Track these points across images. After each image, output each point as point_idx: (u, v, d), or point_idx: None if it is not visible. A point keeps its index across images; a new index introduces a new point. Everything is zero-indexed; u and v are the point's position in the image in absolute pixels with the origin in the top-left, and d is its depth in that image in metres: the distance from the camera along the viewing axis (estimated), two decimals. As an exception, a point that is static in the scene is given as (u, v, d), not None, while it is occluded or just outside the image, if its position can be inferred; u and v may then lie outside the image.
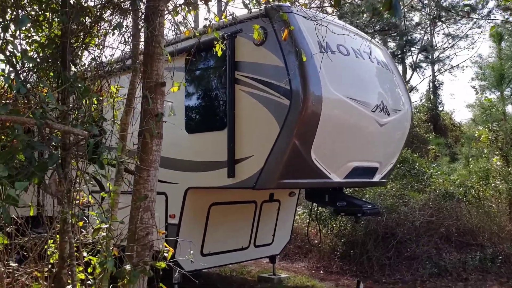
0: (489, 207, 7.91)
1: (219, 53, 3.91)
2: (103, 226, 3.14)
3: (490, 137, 8.40)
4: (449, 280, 6.94)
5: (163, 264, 3.05)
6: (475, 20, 23.34)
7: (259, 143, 4.96)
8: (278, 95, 4.76)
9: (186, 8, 3.72)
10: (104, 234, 3.14)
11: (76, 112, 3.25)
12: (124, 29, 3.39)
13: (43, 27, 3.36)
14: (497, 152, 8.33)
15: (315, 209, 7.63)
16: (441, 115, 21.13)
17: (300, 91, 4.63)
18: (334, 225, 8.63)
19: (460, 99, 41.36)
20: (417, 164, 9.21)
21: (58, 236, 3.22)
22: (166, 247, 3.17)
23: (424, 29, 24.47)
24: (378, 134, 5.39)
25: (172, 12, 3.56)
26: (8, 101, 3.06)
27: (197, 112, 5.73)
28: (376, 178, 5.80)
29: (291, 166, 4.77)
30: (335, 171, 5.06)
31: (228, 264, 6.91)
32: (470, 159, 8.97)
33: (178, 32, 4.50)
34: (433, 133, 17.88)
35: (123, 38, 3.44)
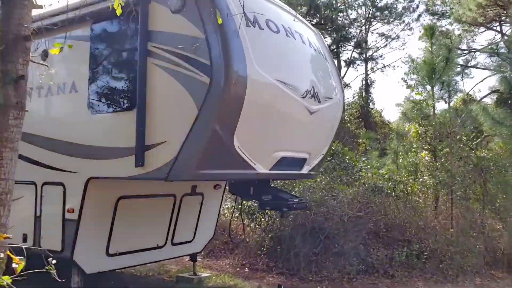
0: (416, 202, 7.90)
1: (118, 11, 3.16)
2: None
3: (419, 131, 8.41)
4: (375, 277, 6.78)
5: (20, 266, 2.28)
6: (406, 22, 24.32)
7: (173, 127, 4.28)
8: (196, 72, 4.11)
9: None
10: None
11: None
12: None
13: None
14: (425, 147, 8.37)
15: (240, 202, 7.09)
16: (371, 112, 21.68)
17: (222, 68, 4.02)
18: (262, 219, 8.19)
19: (390, 98, 43.32)
20: (347, 157, 9.04)
21: None
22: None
23: (360, 27, 25.01)
24: (308, 122, 4.95)
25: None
26: None
27: (103, 89, 4.91)
28: (305, 170, 5.38)
29: (210, 154, 4.16)
30: (261, 161, 4.53)
31: (141, 264, 6.17)
32: (400, 153, 8.97)
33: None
34: (364, 129, 18.23)
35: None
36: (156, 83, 4.39)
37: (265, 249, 7.72)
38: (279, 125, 4.63)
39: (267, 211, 8.01)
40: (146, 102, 4.40)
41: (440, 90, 8.48)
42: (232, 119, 4.15)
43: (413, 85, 9.36)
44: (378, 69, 25.61)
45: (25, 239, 5.43)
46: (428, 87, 8.39)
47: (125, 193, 5.37)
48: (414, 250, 7.02)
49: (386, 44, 25.49)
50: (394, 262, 6.90)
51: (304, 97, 4.74)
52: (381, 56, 25.46)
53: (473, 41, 21.52)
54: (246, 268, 7.64)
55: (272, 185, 5.50)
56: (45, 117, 5.45)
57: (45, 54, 5.29)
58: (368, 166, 8.77)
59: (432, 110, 8.42)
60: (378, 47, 25.56)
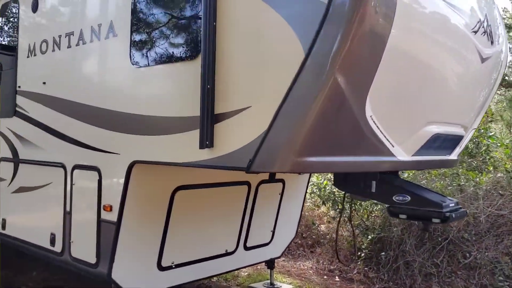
0: None
1: None
2: None
3: None
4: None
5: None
6: None
7: (262, 83, 2.64)
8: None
9: None
10: None
11: None
12: None
13: None
14: None
15: (350, 206, 5.41)
16: None
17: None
18: (355, 211, 6.48)
19: None
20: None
21: None
22: None
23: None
24: (476, 75, 3.10)
25: None
26: None
27: (151, 30, 3.34)
28: (454, 155, 3.57)
29: (325, 129, 2.47)
30: (402, 141, 2.80)
31: (204, 278, 4.74)
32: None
33: None
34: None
35: None
36: (233, 12, 2.75)
37: (362, 253, 6.04)
38: (435, 80, 2.82)
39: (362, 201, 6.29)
40: (217, 44, 2.79)
41: None
42: (366, 69, 2.43)
43: None
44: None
45: (53, 241, 4.17)
46: None
47: (184, 182, 3.88)
48: None
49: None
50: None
51: (475, 32, 2.88)
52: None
53: None
54: (337, 277, 6.03)
55: (403, 178, 3.72)
56: (73, 75, 4.04)
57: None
58: (498, 144, 6.67)
59: None
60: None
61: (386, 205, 3.30)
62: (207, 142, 2.82)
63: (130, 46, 3.43)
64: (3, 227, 4.84)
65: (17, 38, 4.73)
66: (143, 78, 3.38)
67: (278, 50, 2.50)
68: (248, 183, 4.55)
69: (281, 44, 2.48)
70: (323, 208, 7.51)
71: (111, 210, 3.61)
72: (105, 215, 3.66)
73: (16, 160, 4.71)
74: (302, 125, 2.42)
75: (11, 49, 5.10)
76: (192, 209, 4.08)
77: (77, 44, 3.94)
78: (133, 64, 3.41)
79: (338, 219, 5.18)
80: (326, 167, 2.57)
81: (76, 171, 3.98)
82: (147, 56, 3.38)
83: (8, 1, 4.92)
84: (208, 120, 2.81)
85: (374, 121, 2.55)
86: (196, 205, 4.11)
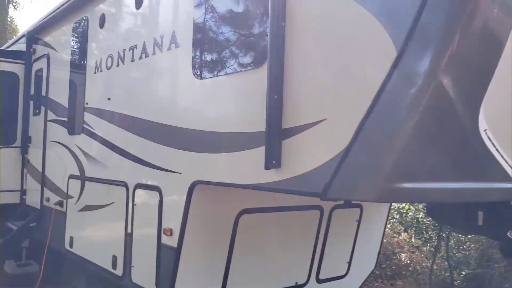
0: None
1: None
2: None
3: None
4: None
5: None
6: None
7: (340, 91, 2.19)
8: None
9: None
10: None
11: None
12: None
13: None
14: None
15: (446, 242, 4.70)
16: None
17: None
18: (442, 241, 5.67)
19: None
20: None
21: None
22: None
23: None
24: None
25: None
26: None
27: (213, 37, 3.04)
28: None
29: (425, 148, 1.95)
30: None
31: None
32: None
33: None
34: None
35: None
36: (306, 10, 2.35)
37: (455, 291, 5.23)
38: None
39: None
40: (286, 48, 2.40)
41: None
42: (481, 70, 1.89)
43: None
44: None
45: (114, 264, 3.97)
46: None
47: (250, 205, 3.50)
48: None
49: None
50: None
51: None
52: None
53: None
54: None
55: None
56: (134, 89, 3.88)
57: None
58: None
59: None
60: None
61: (498, 243, 2.65)
62: (274, 162, 2.41)
63: (192, 56, 3.16)
64: (71, 245, 4.78)
65: (86, 54, 4.72)
66: (204, 90, 3.08)
67: (362, 49, 2.05)
68: (320, 208, 4.06)
69: (366, 42, 2.03)
70: (403, 235, 6.75)
71: (171, 234, 3.31)
72: (165, 240, 3.38)
73: (82, 178, 4.65)
74: (393, 142, 1.92)
75: (83, 67, 5.14)
76: (258, 235, 3.67)
77: (140, 58, 3.77)
78: (195, 76, 3.13)
79: (433, 253, 4.46)
80: (424, 196, 2.04)
81: (138, 191, 3.77)
82: (208, 66, 3.08)
83: (79, 18, 4.97)
84: (275, 136, 2.41)
85: (489, 137, 1.98)
86: (263, 231, 3.70)
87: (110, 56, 4.23)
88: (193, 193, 3.15)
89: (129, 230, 3.80)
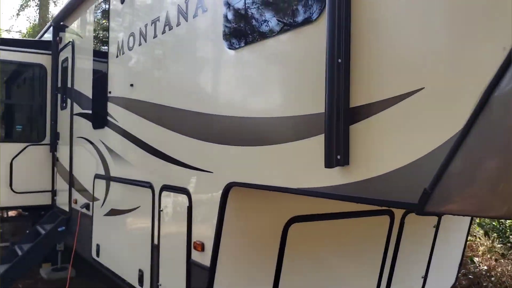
0: None
1: None
2: None
3: None
4: None
5: None
6: None
7: (449, 43, 1.40)
8: None
9: None
10: None
11: None
12: None
13: None
14: None
15: None
16: None
17: None
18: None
19: None
20: None
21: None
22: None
23: None
24: None
25: None
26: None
27: (249, -9, 2.32)
28: None
29: None
30: None
31: None
32: None
33: None
34: None
35: None
36: None
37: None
38: None
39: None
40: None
41: None
42: None
43: None
44: None
45: (141, 280, 3.38)
46: None
47: (302, 212, 2.77)
48: None
49: None
50: None
51: None
52: None
53: None
54: None
55: None
56: (157, 71, 3.25)
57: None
58: None
59: None
60: None
61: None
62: (338, 157, 1.67)
63: (224, 21, 2.46)
64: (97, 254, 4.26)
65: (108, 37, 4.15)
66: (239, 63, 2.37)
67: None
68: (390, 213, 3.26)
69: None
70: (483, 239, 5.77)
71: (203, 249, 2.65)
72: (196, 256, 2.72)
73: (107, 178, 4.11)
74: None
75: (105, 52, 4.60)
76: (313, 248, 2.94)
77: (163, 32, 3.12)
78: (228, 47, 2.42)
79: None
80: None
81: (164, 193, 3.14)
82: (243, 31, 2.36)
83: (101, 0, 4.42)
84: (340, 119, 1.66)
85: None
86: (319, 243, 2.97)
87: (132, 34, 3.63)
88: (229, 198, 2.47)
89: (155, 241, 3.19)
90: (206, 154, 2.59)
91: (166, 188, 3.10)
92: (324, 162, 1.69)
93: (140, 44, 3.48)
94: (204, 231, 2.67)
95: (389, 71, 1.55)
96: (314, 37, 1.82)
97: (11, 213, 8.71)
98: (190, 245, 2.75)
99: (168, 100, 3.02)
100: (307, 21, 1.90)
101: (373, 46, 1.61)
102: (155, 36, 3.24)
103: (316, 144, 1.77)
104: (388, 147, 1.56)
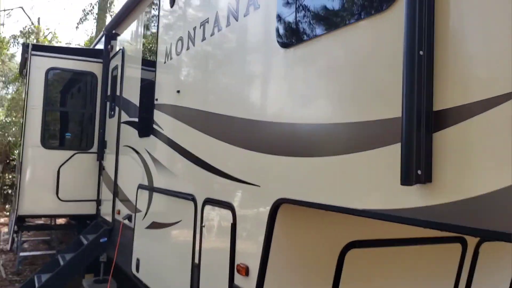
0: None
1: None
2: None
3: None
4: None
5: None
6: None
7: None
8: None
9: None
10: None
11: None
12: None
13: None
14: None
15: None
16: None
17: None
18: None
19: None
20: None
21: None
22: None
23: None
24: None
25: None
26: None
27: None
28: None
29: None
30: None
31: None
32: None
33: None
34: None
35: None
36: None
37: None
38: None
39: None
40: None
41: None
42: None
43: None
44: None
45: (181, 303, 3.13)
46: None
47: (362, 236, 2.43)
48: None
49: None
50: None
51: None
52: None
53: None
54: None
55: None
56: (204, 76, 3.05)
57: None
58: None
59: None
60: None
61: None
62: (419, 172, 1.34)
63: (278, 17, 2.20)
64: (137, 269, 4.08)
65: (157, 42, 4.04)
66: (296, 63, 2.10)
67: None
68: (463, 241, 2.84)
69: None
70: None
71: (247, 274, 2.36)
72: (239, 281, 2.43)
73: (150, 188, 3.94)
74: None
75: (153, 58, 4.50)
76: (373, 277, 2.57)
77: (212, 34, 2.92)
78: (282, 46, 2.16)
79: None
80: None
81: (207, 207, 2.89)
82: (300, 28, 2.09)
83: (151, 1, 4.33)
84: (421, 125, 1.34)
85: None
86: (379, 272, 2.60)
87: (180, 39, 3.47)
88: (278, 216, 2.18)
89: (196, 260, 2.94)
90: (253, 165, 2.33)
91: (209, 201, 2.86)
92: (400, 178, 1.36)
93: (188, 48, 3.30)
94: (249, 253, 2.39)
95: (489, 64, 1.22)
96: (388, 26, 1.51)
97: (59, 221, 8.86)
98: (233, 267, 2.48)
99: (214, 106, 2.80)
100: (379, 8, 1.60)
101: (465, 31, 1.29)
102: (203, 39, 3.04)
103: (389, 156, 1.45)
104: (484, 162, 1.21)
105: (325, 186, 1.83)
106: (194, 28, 3.20)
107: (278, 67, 2.24)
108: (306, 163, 1.93)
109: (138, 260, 4.08)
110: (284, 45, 2.15)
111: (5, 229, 10.02)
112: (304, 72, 2.02)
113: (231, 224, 2.53)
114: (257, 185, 2.30)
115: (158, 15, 4.05)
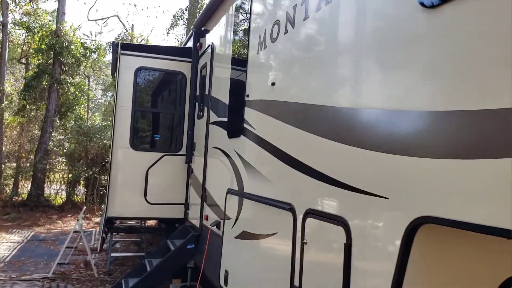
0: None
1: None
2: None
3: None
4: None
5: None
6: None
7: None
8: None
9: None
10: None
11: None
12: None
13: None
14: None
15: None
16: None
17: None
18: None
19: None
20: None
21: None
22: None
23: None
24: None
25: None
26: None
27: None
28: None
29: None
30: None
31: None
32: None
33: None
34: None
35: None
36: None
37: None
38: None
39: None
40: None
41: None
42: None
43: None
44: None
45: (274, 330, 2.64)
46: None
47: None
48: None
49: None
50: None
51: None
52: None
53: None
54: None
55: None
56: (308, 61, 2.54)
57: None
58: None
59: None
60: None
61: None
62: None
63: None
64: (225, 283, 3.69)
65: (249, 31, 3.63)
66: (440, 29, 1.51)
67: None
68: None
69: None
70: None
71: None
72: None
73: (241, 194, 3.53)
74: None
75: (245, 49, 4.11)
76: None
77: (318, 8, 2.41)
78: (422, 3, 1.59)
79: None
80: None
81: (309, 220, 2.38)
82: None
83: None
84: None
85: None
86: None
87: (277, 22, 3.01)
88: (416, 239, 1.60)
89: (295, 283, 2.43)
90: (377, 170, 1.77)
91: (312, 213, 2.34)
92: None
93: (286, 32, 2.83)
94: (371, 284, 1.83)
95: None
96: None
97: (149, 223, 8.90)
98: (346, 301, 1.93)
99: (320, 96, 2.28)
100: None
101: None
102: (306, 18, 2.55)
103: None
104: None
105: (499, 201, 1.22)
106: (294, 7, 2.72)
107: (412, 33, 1.66)
108: (468, 167, 1.33)
109: (226, 272, 3.68)
110: (426, 4, 1.57)
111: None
112: (459, 40, 1.42)
113: (345, 244, 1.99)
114: (385, 197, 1.74)
115: (251, 3, 3.65)
